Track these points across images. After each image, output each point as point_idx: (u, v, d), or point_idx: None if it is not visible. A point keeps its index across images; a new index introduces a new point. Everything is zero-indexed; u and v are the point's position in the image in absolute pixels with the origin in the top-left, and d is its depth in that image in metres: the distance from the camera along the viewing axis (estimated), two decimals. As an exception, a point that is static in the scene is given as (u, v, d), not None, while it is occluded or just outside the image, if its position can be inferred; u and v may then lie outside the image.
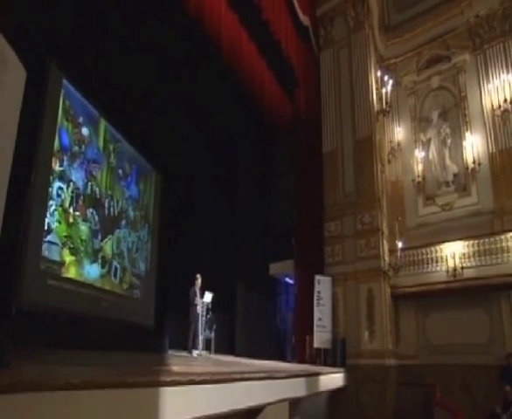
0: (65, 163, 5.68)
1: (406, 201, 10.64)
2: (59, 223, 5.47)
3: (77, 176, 5.92)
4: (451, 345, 8.91)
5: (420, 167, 10.54)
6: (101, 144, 6.68)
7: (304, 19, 10.22)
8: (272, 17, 8.59)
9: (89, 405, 2.02)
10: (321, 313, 8.94)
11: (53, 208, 5.35)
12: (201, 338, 7.97)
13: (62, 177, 5.59)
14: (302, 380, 5.45)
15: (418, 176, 10.50)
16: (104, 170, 6.69)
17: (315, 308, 8.90)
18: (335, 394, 8.06)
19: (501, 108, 9.41)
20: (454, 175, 10.08)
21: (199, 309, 7.91)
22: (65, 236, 5.57)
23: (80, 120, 6.12)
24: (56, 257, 5.38)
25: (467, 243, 9.08)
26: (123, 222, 7.20)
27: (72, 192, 5.79)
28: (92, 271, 6.17)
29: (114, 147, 7.04)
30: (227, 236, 11.49)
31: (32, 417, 1.71)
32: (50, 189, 5.28)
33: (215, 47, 7.69)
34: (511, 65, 9.54)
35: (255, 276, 11.54)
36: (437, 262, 9.40)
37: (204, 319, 8.04)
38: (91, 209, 6.22)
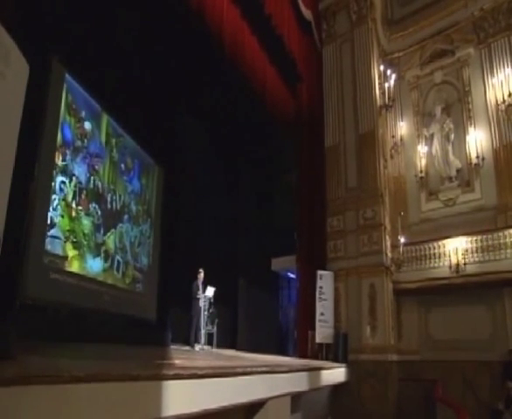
0: (68, 158, 5.66)
1: (409, 196, 10.60)
2: (62, 217, 5.48)
3: (79, 171, 5.91)
4: (453, 341, 8.90)
5: (423, 162, 10.50)
6: (104, 138, 6.66)
7: (306, 13, 10.14)
8: (274, 11, 8.53)
9: (92, 398, 2.03)
10: (324, 308, 8.94)
11: (56, 202, 5.35)
12: (203, 332, 8.01)
13: (65, 171, 5.58)
14: (304, 374, 5.46)
15: (421, 171, 10.46)
16: (106, 165, 6.67)
17: (317, 303, 8.90)
18: (336, 389, 8.08)
19: (506, 103, 9.34)
20: (458, 171, 10.03)
21: (201, 303, 7.95)
22: (68, 231, 5.58)
23: (83, 114, 6.10)
24: (59, 251, 5.39)
25: (470, 238, 9.05)
26: (126, 216, 7.19)
27: (75, 186, 5.78)
28: (94, 265, 6.17)
29: (116, 142, 7.02)
30: (230, 231, 11.50)
31: (37, 409, 1.73)
32: (53, 184, 5.28)
33: (217, 41, 7.65)
34: (516, 59, 9.47)
35: (257, 271, 11.57)
36: (439, 257, 9.38)
37: (206, 313, 8.07)
38: (93, 204, 6.21)
